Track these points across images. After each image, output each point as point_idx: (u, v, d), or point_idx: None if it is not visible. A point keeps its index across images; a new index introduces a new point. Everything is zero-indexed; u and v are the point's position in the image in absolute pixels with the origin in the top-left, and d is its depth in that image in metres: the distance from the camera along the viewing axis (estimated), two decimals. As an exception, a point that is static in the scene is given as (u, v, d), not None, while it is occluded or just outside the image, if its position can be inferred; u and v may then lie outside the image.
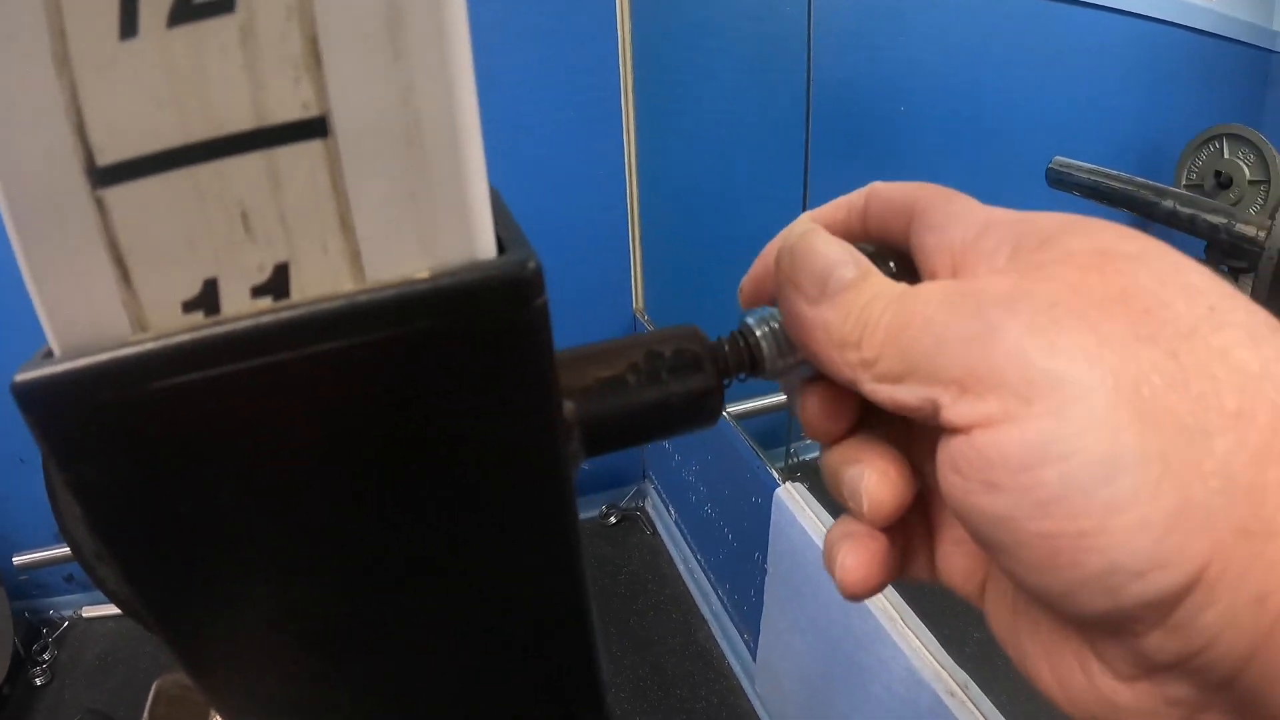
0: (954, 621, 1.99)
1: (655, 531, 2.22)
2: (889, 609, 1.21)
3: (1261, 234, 1.13)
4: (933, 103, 2.22)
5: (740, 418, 2.08)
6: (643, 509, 2.30)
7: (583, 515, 2.24)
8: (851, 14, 1.95)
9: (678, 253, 2.00)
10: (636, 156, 1.79)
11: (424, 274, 0.21)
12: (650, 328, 1.92)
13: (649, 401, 0.28)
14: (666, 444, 2.00)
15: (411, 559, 0.25)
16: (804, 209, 1.37)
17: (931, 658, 1.12)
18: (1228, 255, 2.73)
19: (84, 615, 1.95)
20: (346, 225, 0.21)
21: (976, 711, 1.03)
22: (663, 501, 2.20)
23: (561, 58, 1.67)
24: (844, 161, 2.07)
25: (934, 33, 2.13)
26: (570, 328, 1.76)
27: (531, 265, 0.20)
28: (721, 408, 0.29)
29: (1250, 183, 2.81)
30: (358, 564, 0.24)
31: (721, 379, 0.29)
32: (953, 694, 1.07)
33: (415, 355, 0.21)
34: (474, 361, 0.21)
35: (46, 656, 1.82)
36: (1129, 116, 2.93)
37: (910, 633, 1.17)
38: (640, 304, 1.96)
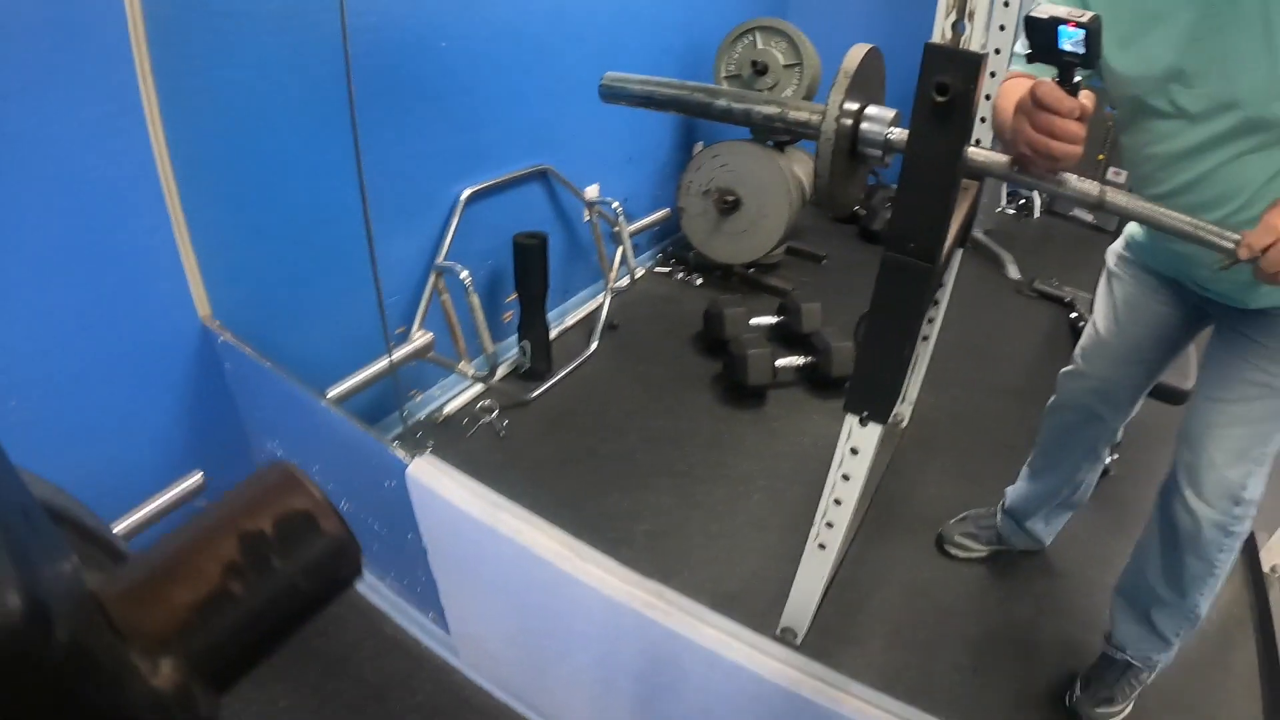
0: (625, 526, 2.07)
1: (307, 541, 2.05)
2: (562, 551, 1.22)
3: (815, 118, 1.24)
4: (476, 33, 2.17)
5: (342, 400, 1.93)
6: (287, 522, 2.11)
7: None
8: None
9: (244, 245, 1.75)
10: (169, 149, 1.52)
11: None
12: (226, 337, 1.66)
13: (272, 599, 0.21)
14: (279, 451, 1.82)
15: None
16: (359, 171, 1.27)
17: (619, 581, 1.15)
18: (791, 143, 3.09)
19: None
20: None
21: (678, 609, 1.11)
22: (304, 509, 2.02)
23: (63, 53, 1.33)
24: (398, 107, 1.96)
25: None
26: (128, 360, 1.48)
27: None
28: (360, 559, 0.24)
29: (785, 67, 3.25)
30: None
31: (349, 528, 0.23)
32: (653, 606, 1.11)
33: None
34: None
35: None
36: (671, 24, 3.21)
37: (592, 565, 1.18)
38: (208, 310, 1.69)
